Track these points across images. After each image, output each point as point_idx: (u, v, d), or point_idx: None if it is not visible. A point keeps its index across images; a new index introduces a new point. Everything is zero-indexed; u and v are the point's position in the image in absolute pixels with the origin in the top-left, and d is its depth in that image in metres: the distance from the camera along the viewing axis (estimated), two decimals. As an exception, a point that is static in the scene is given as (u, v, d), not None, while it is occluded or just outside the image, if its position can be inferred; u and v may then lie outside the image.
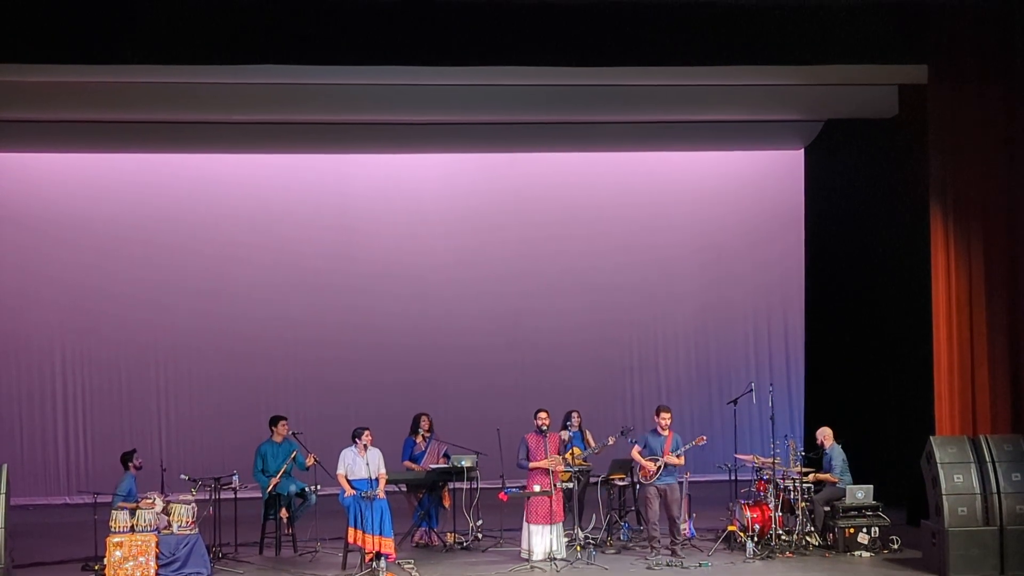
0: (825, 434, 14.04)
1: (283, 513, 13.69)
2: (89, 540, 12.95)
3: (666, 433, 13.22)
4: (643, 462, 13.17)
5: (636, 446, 13.38)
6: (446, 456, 14.27)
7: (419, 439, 14.39)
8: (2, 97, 14.11)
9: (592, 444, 14.13)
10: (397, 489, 14.06)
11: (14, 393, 17.39)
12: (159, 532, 12.42)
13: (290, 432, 13.95)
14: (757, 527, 13.32)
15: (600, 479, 14.12)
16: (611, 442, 13.76)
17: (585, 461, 13.99)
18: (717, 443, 16.37)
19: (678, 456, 13.09)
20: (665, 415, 13.28)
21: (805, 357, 17.79)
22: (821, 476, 13.83)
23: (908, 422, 15.15)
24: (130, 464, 13.34)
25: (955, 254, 13.13)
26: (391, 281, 17.86)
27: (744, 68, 13.63)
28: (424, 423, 14.41)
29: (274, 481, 13.59)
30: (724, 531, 13.72)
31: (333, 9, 12.52)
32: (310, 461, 13.62)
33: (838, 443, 13.99)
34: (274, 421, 14.16)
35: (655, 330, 18.50)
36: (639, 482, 13.45)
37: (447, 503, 14.23)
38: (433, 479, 14.01)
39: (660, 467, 13.05)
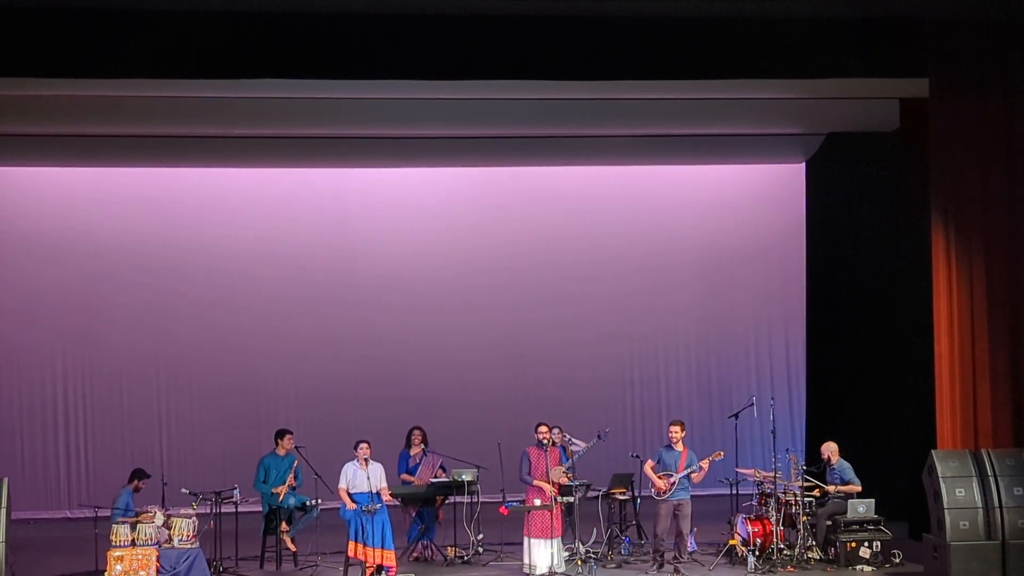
0: (831, 449, 13.95)
1: (283, 527, 13.67)
2: (90, 554, 12.97)
3: (680, 448, 13.19)
4: (654, 478, 13.13)
5: (649, 460, 13.36)
6: (443, 468, 14.27)
7: (414, 451, 14.39)
8: (2, 111, 14.12)
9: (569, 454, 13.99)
10: (395, 502, 14.04)
11: (15, 406, 17.32)
12: (160, 546, 12.45)
13: (294, 447, 13.95)
14: (758, 541, 13.29)
15: (601, 493, 14.08)
16: (591, 444, 13.70)
17: (568, 473, 13.82)
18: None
19: (695, 472, 13.02)
20: (675, 428, 13.25)
21: (806, 370, 17.76)
22: (843, 488, 13.66)
23: (910, 436, 15.13)
24: (135, 481, 13.36)
25: (956, 267, 13.13)
26: (391, 295, 17.83)
27: (745, 82, 13.64)
28: (416, 437, 14.43)
29: (278, 490, 13.60)
30: (725, 545, 13.71)
31: (332, 23, 12.52)
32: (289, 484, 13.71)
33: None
34: (280, 434, 14.15)
35: (655, 343, 18.45)
36: (651, 496, 13.33)
37: (441, 517, 14.23)
38: (433, 492, 14.00)
39: (675, 483, 13.02)
